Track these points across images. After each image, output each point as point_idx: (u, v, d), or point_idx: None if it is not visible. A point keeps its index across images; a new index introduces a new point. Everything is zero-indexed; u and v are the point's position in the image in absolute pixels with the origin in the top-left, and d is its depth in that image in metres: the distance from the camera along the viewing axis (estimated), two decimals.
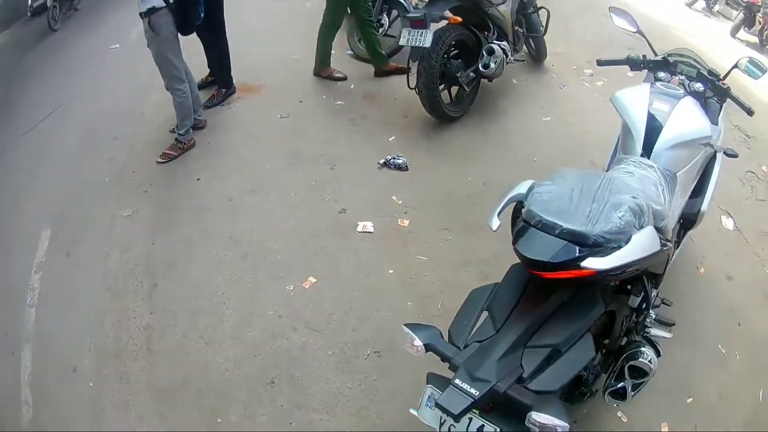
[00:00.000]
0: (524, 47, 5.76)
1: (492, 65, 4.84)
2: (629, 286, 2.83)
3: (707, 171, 3.55)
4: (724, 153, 3.53)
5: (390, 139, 4.86)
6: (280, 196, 4.38)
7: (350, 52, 6.12)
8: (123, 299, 3.78)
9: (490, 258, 3.98)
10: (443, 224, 4.21)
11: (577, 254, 2.23)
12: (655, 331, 3.00)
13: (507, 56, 5.07)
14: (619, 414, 3.41)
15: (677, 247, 3.55)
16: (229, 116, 5.31)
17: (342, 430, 3.08)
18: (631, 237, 2.34)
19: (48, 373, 3.45)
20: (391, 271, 3.86)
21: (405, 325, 2.42)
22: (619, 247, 2.31)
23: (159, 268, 3.95)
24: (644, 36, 3.69)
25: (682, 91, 3.33)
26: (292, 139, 4.94)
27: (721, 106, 3.55)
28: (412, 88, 4.86)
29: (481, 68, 4.88)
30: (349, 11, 5.59)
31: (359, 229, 4.07)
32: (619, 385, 2.73)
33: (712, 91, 3.41)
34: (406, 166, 4.60)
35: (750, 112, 3.43)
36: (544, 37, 5.88)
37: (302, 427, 3.10)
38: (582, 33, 6.92)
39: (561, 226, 2.27)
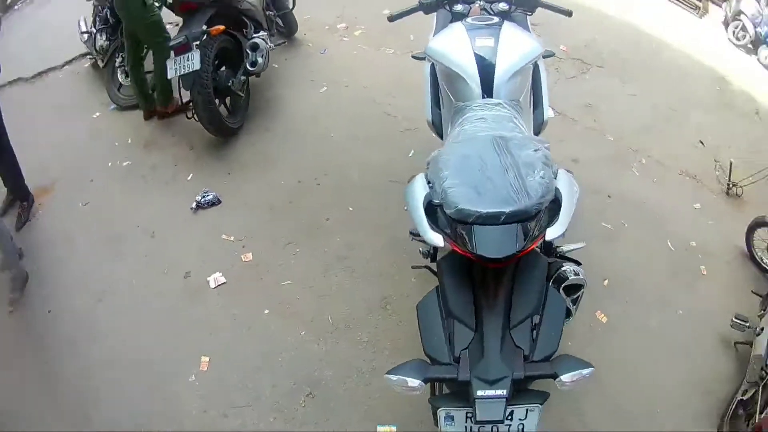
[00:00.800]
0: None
1: (260, 60, 4.89)
2: None
3: (536, 80, 3.53)
4: (543, 56, 3.54)
5: (188, 178, 4.78)
6: (125, 291, 4.12)
7: (113, 106, 5.73)
8: None
9: (345, 251, 4.17)
10: (284, 240, 4.28)
11: (534, 233, 2.35)
12: (568, 246, 3.15)
13: (269, 45, 5.10)
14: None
15: None
16: (41, 229, 4.83)
17: None
18: (556, 188, 2.47)
19: None
20: (267, 311, 3.90)
21: (387, 374, 2.30)
22: (556, 201, 2.45)
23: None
24: None
25: (496, 18, 3.26)
26: (102, 224, 4.63)
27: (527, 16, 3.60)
28: (189, 118, 4.74)
29: (249, 67, 4.89)
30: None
31: (212, 285, 4.03)
32: None
33: (517, 4, 3.43)
34: (218, 199, 4.57)
35: (569, 14, 3.58)
36: (293, 9, 5.92)
37: None
38: None
39: (503, 212, 2.28)
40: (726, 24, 9.33)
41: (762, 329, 3.95)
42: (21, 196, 4.86)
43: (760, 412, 3.40)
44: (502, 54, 3.04)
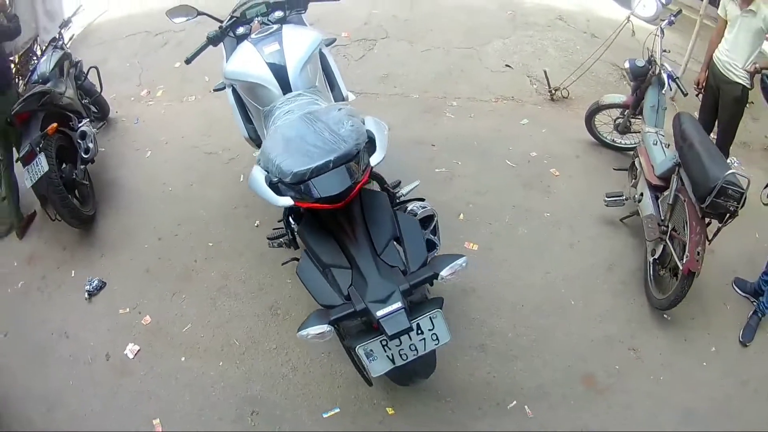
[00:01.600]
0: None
1: (90, 145, 5.06)
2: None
3: (326, 66, 4.02)
4: (326, 45, 4.10)
5: (72, 274, 4.79)
6: (68, 394, 4.06)
7: None
8: None
9: (222, 281, 4.48)
10: (169, 292, 4.49)
11: (361, 167, 2.80)
12: (406, 189, 3.65)
13: (94, 130, 5.35)
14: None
15: None
16: None
17: None
18: (367, 130, 2.95)
19: None
20: (183, 359, 4.09)
21: (298, 333, 2.66)
22: (371, 140, 2.93)
23: None
24: (205, 14, 3.91)
25: (275, 26, 3.73)
26: (23, 342, 4.47)
27: (302, 13, 4.06)
28: (53, 219, 4.84)
29: (84, 155, 5.04)
30: None
31: (131, 356, 4.13)
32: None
33: (289, 7, 3.88)
34: (102, 282, 4.63)
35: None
36: (102, 93, 6.14)
37: None
38: (117, 67, 7.16)
39: (330, 160, 2.71)
40: None
41: (641, 194, 4.51)
42: None
43: (681, 259, 3.88)
44: (289, 52, 3.53)
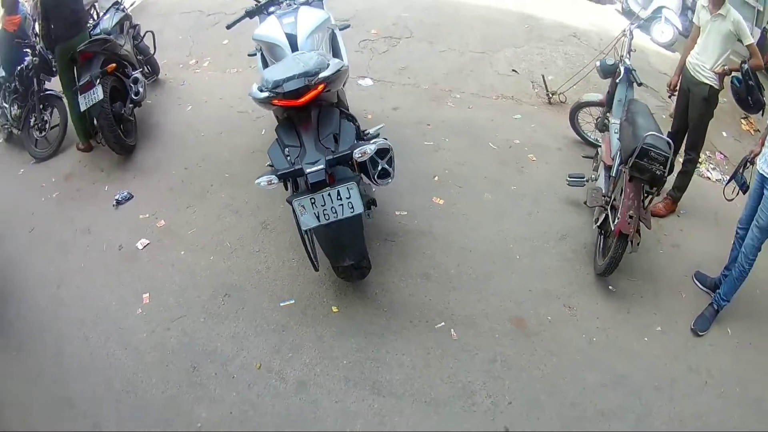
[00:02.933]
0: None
1: (141, 90, 5.97)
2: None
3: (335, 42, 5.02)
4: (339, 28, 5.11)
5: (106, 189, 5.64)
6: (78, 273, 4.80)
7: (33, 160, 6.38)
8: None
9: (229, 200, 5.23)
10: (183, 205, 5.28)
11: (316, 80, 3.68)
12: (372, 129, 4.43)
13: (145, 79, 6.29)
14: (397, 213, 4.96)
15: None
16: None
17: (257, 354, 3.99)
18: (329, 64, 3.81)
19: None
20: (182, 253, 4.83)
21: (255, 181, 3.48)
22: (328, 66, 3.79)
23: (54, 387, 4.03)
24: None
25: (295, 5, 4.80)
26: (49, 237, 5.24)
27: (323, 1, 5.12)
28: (98, 143, 5.88)
29: (134, 97, 5.95)
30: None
31: (140, 247, 4.92)
32: (379, 168, 3.90)
33: None
34: (130, 194, 5.48)
35: None
36: (154, 54, 7.08)
37: (240, 373, 3.89)
38: (172, 37, 8.15)
39: (294, 74, 3.66)
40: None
41: (598, 175, 4.86)
42: None
43: (614, 221, 4.19)
44: (300, 24, 4.55)
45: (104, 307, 4.46)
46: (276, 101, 3.71)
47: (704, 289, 4.49)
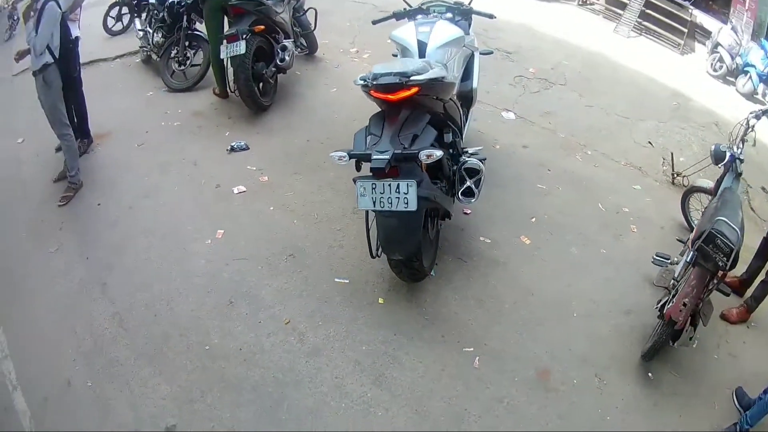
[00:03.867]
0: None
1: (287, 58, 6.25)
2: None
3: (470, 65, 5.07)
4: (480, 52, 5.23)
5: (226, 134, 6.04)
6: (168, 192, 5.35)
7: (165, 89, 6.97)
8: (83, 305, 4.43)
9: (334, 179, 5.40)
10: (292, 171, 5.55)
11: (410, 81, 3.72)
12: (472, 150, 4.45)
13: (294, 49, 6.52)
14: (481, 238, 4.93)
15: (466, 121, 5.06)
16: (98, 158, 6.05)
17: (292, 311, 4.23)
18: (429, 70, 3.85)
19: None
20: (271, 208, 5.12)
21: (331, 153, 3.60)
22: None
23: (102, 272, 4.66)
24: (406, 1, 5.16)
25: (435, 19, 4.82)
26: (155, 155, 5.88)
27: (469, 23, 5.13)
28: (232, 92, 6.18)
29: (279, 62, 6.24)
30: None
31: (236, 192, 5.27)
32: (464, 186, 4.09)
33: (459, 15, 5.04)
34: (247, 146, 5.85)
35: (491, 17, 5.04)
36: (315, 31, 7.33)
37: (267, 320, 4.18)
38: (339, 22, 8.50)
39: (393, 71, 3.74)
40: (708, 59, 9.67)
41: (680, 258, 4.42)
42: (82, 135, 5.92)
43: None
44: (433, 34, 4.61)
45: (178, 228, 4.86)
46: (371, 91, 3.83)
47: (738, 407, 3.99)
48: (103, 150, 6.11)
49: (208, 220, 4.94)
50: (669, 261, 4.54)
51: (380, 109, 4.03)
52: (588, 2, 11.48)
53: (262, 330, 4.10)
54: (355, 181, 3.69)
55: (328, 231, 4.88)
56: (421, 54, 4.53)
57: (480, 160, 4.17)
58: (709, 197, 4.97)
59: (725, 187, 4.48)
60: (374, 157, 3.52)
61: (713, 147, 4.74)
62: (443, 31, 4.69)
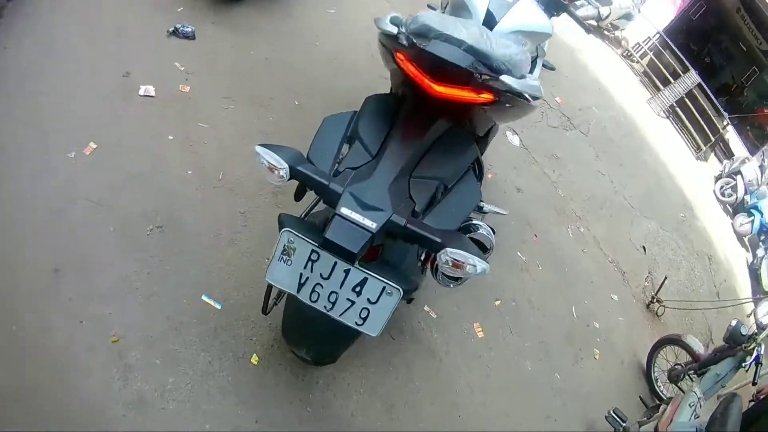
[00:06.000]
0: None
1: None
2: None
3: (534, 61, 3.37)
4: (543, 65, 3.46)
5: (179, 10, 4.27)
6: (69, 63, 3.54)
7: None
8: None
9: (271, 131, 3.78)
10: (225, 93, 3.87)
11: (486, 75, 2.09)
12: (491, 207, 2.83)
13: None
14: (427, 309, 3.46)
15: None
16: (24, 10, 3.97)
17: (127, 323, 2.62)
18: (524, 76, 2.23)
19: None
20: (171, 137, 3.40)
21: (258, 146, 1.91)
22: (522, 77, 2.20)
23: None
24: None
25: None
26: (84, 8, 3.99)
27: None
28: None
29: None
30: None
31: (141, 92, 3.51)
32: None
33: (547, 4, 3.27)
34: (194, 35, 4.11)
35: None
36: None
37: (92, 323, 2.57)
38: None
39: (465, 41, 2.06)
40: (718, 178, 9.25)
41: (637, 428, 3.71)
42: None
43: None
44: (512, 12, 2.89)
45: (50, 121, 3.16)
46: (401, 54, 2.15)
47: None
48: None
49: (88, 121, 3.19)
50: (624, 424, 3.76)
51: (388, 93, 2.38)
52: (631, 57, 10.66)
53: (82, 337, 2.50)
54: (282, 223, 1.95)
55: (227, 208, 3.19)
56: (486, 24, 2.84)
57: (491, 229, 2.46)
58: (686, 362, 4.37)
59: (731, 393, 3.57)
60: (343, 211, 1.83)
61: (734, 323, 4.00)
62: (528, 13, 2.97)
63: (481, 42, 2.08)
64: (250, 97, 3.91)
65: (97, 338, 2.51)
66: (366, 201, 1.84)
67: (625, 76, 9.89)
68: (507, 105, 2.26)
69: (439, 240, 1.85)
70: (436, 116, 2.17)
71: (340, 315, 1.94)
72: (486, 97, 2.08)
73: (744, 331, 3.88)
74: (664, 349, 4.62)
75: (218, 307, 2.76)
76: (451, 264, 1.82)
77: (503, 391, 3.49)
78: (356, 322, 1.94)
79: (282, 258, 1.90)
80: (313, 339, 2.30)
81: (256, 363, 2.67)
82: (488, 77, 2.08)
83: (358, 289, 1.88)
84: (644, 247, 5.89)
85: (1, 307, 2.48)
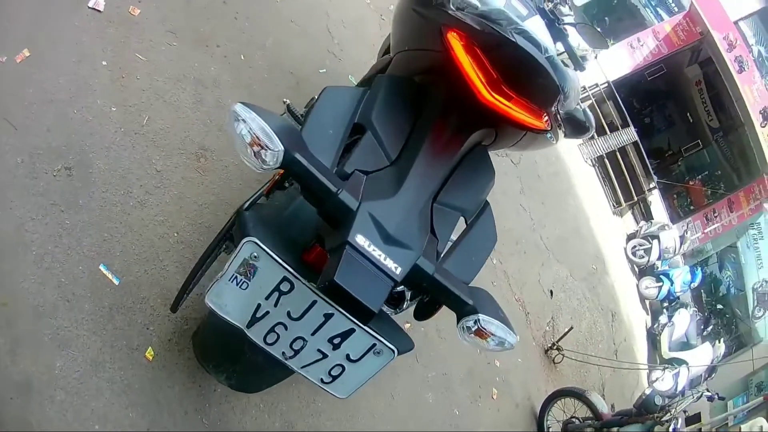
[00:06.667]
0: None
1: None
2: None
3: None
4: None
5: None
6: None
7: None
8: None
9: (209, 82, 3.32)
10: (172, 27, 3.34)
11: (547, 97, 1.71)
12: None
13: None
14: None
15: None
16: None
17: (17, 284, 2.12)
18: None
19: None
20: (104, 63, 2.87)
21: (242, 104, 1.34)
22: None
23: None
24: None
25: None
26: None
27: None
28: None
29: None
30: None
31: (90, 3, 2.95)
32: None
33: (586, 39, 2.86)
34: None
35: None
36: None
37: None
38: None
39: (549, 51, 1.64)
40: (630, 237, 9.48)
41: None
42: None
43: None
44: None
45: None
46: (456, 33, 1.64)
47: None
48: None
49: (27, 26, 2.64)
50: None
51: (407, 78, 1.89)
52: None
53: None
54: (243, 236, 1.39)
55: (144, 161, 2.71)
56: None
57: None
58: (585, 418, 4.44)
59: None
60: (358, 240, 1.33)
61: (648, 392, 4.23)
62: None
63: (556, 55, 1.69)
64: (197, 38, 3.44)
65: None
66: (389, 230, 1.39)
67: None
68: (547, 136, 1.90)
69: (470, 302, 1.49)
70: (473, 127, 1.74)
71: (302, 368, 1.52)
72: (540, 124, 1.72)
73: (658, 401, 4.01)
74: (563, 400, 4.61)
75: (116, 282, 2.32)
76: (474, 333, 1.48)
77: (404, 423, 3.32)
78: (322, 379, 1.54)
79: (236, 278, 1.39)
80: (241, 367, 1.87)
81: (150, 359, 2.26)
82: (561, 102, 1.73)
83: (337, 341, 1.45)
84: (551, 291, 5.87)
85: None
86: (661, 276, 8.90)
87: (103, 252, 2.34)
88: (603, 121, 9.82)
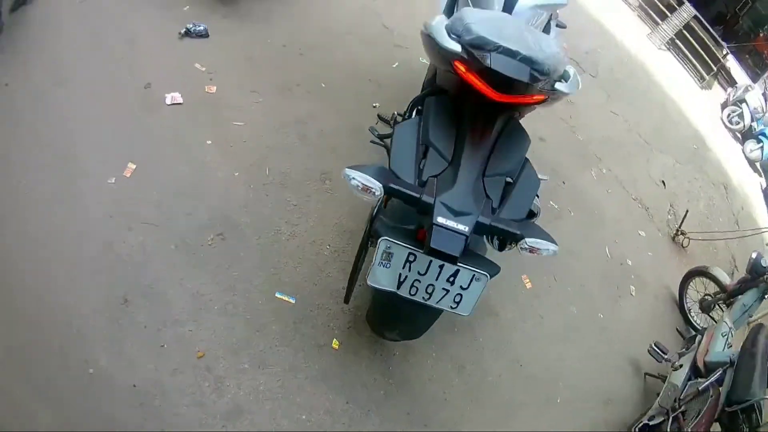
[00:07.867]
0: None
1: None
2: None
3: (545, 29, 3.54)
4: (557, 24, 3.67)
5: (185, 9, 4.17)
6: (85, 83, 3.37)
7: None
8: None
9: (305, 117, 3.77)
10: (251, 87, 3.83)
11: (540, 84, 2.21)
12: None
13: None
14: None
15: None
16: (35, 9, 3.72)
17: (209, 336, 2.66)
18: (569, 73, 2.40)
19: None
20: (209, 142, 3.39)
21: (347, 168, 2.00)
22: (562, 79, 2.36)
23: None
24: None
25: None
26: (93, 21, 3.80)
27: None
28: None
29: None
30: None
31: (168, 101, 3.47)
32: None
33: None
34: (207, 32, 4.03)
35: None
36: None
37: (173, 344, 2.58)
38: None
39: (520, 52, 2.14)
40: (724, 106, 9.26)
41: (681, 365, 3.71)
42: None
43: None
44: None
45: (78, 145, 3.03)
46: (460, 65, 2.20)
47: None
48: (43, 4, 3.74)
49: (120, 142, 3.12)
50: (666, 356, 3.89)
51: (444, 94, 2.50)
52: None
53: (165, 360, 2.52)
54: (377, 233, 2.12)
55: (280, 203, 3.23)
56: (507, 7, 2.96)
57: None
58: (714, 292, 4.45)
59: (760, 324, 3.66)
60: (439, 221, 1.99)
61: (754, 256, 4.08)
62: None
63: (531, 48, 2.18)
64: (277, 86, 3.90)
65: (182, 358, 2.56)
66: (455, 208, 2.03)
67: (622, 13, 9.80)
68: (552, 99, 2.41)
69: (518, 232, 2.06)
70: (495, 116, 2.31)
71: (437, 302, 2.17)
72: (539, 98, 2.25)
73: (764, 263, 3.96)
74: (693, 280, 4.70)
75: (292, 301, 2.87)
76: (528, 251, 2.05)
77: (555, 337, 3.65)
78: (451, 306, 2.17)
79: (381, 263, 2.11)
80: (402, 321, 2.50)
81: (337, 347, 2.82)
82: (543, 83, 2.23)
83: (451, 279, 2.11)
84: (663, 182, 5.95)
85: (72, 353, 2.41)
86: (759, 137, 8.72)
87: (275, 283, 2.91)
88: (660, 4, 9.61)
